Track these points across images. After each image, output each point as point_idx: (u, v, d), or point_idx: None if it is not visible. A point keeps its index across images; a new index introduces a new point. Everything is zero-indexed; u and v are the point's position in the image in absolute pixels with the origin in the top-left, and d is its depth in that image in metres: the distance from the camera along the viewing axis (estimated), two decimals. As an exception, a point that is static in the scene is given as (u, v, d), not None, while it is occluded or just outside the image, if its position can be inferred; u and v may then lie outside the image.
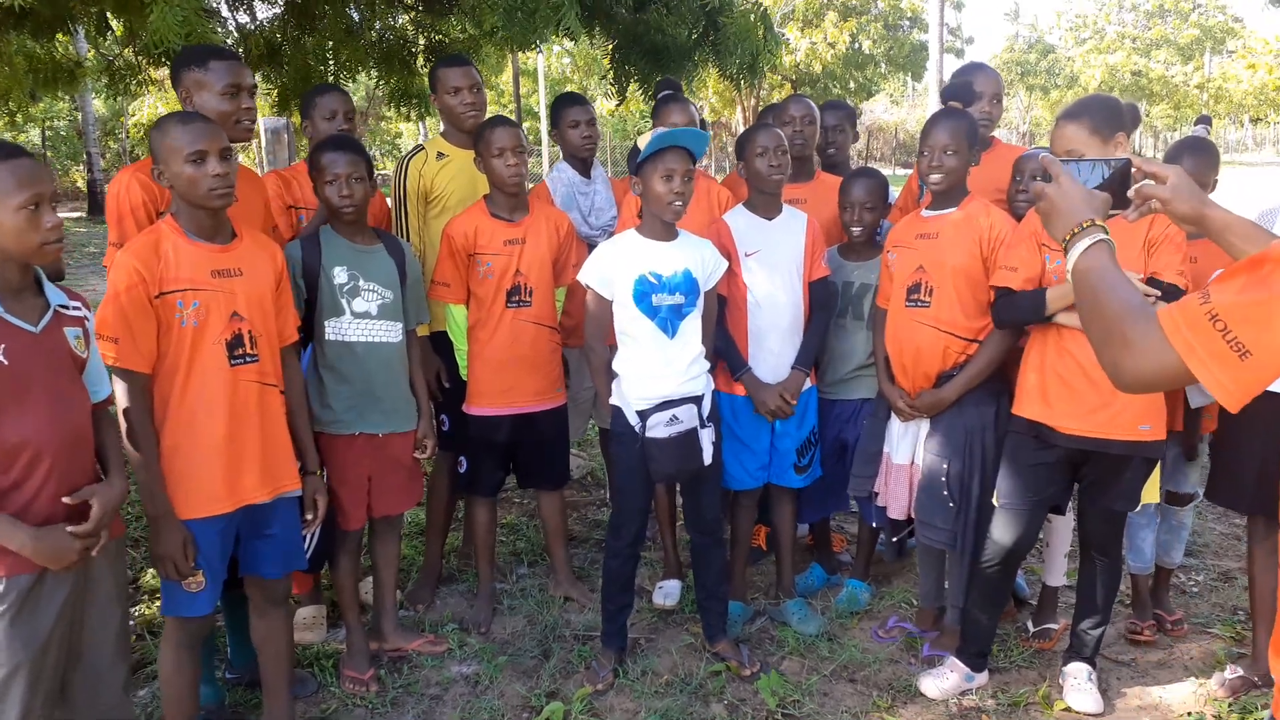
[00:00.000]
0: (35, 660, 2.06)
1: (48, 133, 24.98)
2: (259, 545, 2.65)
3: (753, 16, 5.09)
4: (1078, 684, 3.06)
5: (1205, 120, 3.43)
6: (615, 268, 3.02)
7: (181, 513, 2.44)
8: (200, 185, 2.39)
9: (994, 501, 3.04)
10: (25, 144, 25.67)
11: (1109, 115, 2.64)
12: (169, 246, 2.42)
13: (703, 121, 3.78)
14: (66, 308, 2.19)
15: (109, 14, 5.80)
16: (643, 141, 2.98)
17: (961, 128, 3.09)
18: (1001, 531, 3.01)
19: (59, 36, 6.78)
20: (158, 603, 2.82)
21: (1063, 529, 3.46)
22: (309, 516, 2.78)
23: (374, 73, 6.24)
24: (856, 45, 23.06)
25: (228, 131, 2.70)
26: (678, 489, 3.65)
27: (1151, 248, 2.71)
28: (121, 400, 2.35)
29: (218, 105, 2.72)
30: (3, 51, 6.50)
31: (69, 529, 2.07)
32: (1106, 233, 1.47)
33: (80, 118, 22.42)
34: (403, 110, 6.75)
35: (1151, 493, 2.99)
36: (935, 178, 3.11)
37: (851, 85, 24.10)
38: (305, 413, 2.83)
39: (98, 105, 22.98)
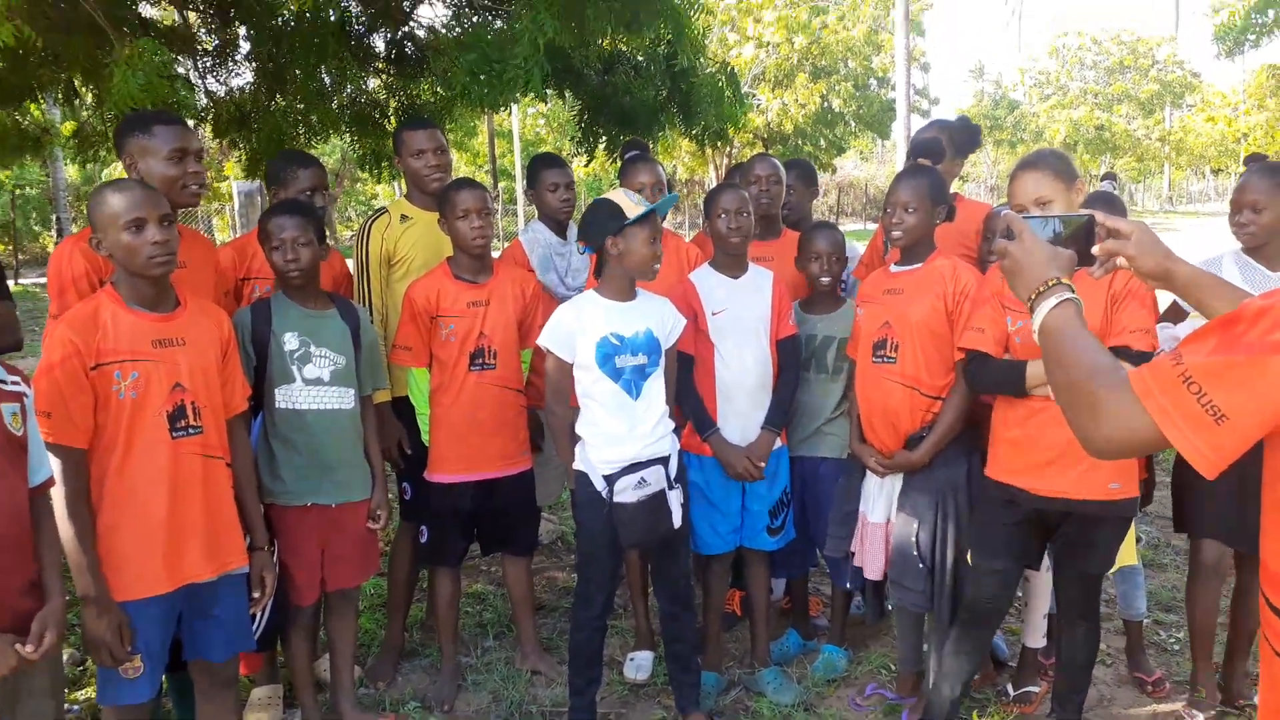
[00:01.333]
0: None
1: (17, 198, 24.80)
2: (203, 626, 2.52)
3: (720, 80, 5.13)
4: (1062, 751, 2.96)
5: (1110, 176, 3.46)
6: (576, 330, 2.96)
7: (118, 594, 2.32)
8: (139, 254, 2.31)
9: (968, 559, 2.96)
10: (-7, 209, 25.56)
11: (1066, 164, 2.65)
12: (107, 316, 2.33)
13: (669, 181, 3.76)
14: (3, 382, 2.07)
15: (76, 81, 5.78)
16: (620, 200, 2.94)
17: (923, 185, 3.07)
18: (974, 592, 2.92)
19: (28, 104, 6.76)
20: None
21: (1042, 588, 3.37)
22: (256, 595, 2.65)
23: (346, 135, 6.23)
24: (827, 104, 23.46)
25: (175, 197, 2.65)
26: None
27: (1116, 304, 2.67)
28: (56, 477, 2.23)
29: (164, 170, 2.66)
30: (-32, 119, 6.46)
31: (16, 647, 1.96)
32: (1073, 291, 1.42)
33: (51, 183, 22.32)
34: (374, 173, 6.74)
35: (1129, 554, 2.91)
36: (896, 234, 3.09)
37: (822, 143, 24.47)
38: (253, 485, 2.72)
39: (70, 171, 22.91)
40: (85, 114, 7.11)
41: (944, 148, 3.49)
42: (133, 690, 2.38)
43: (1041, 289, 1.44)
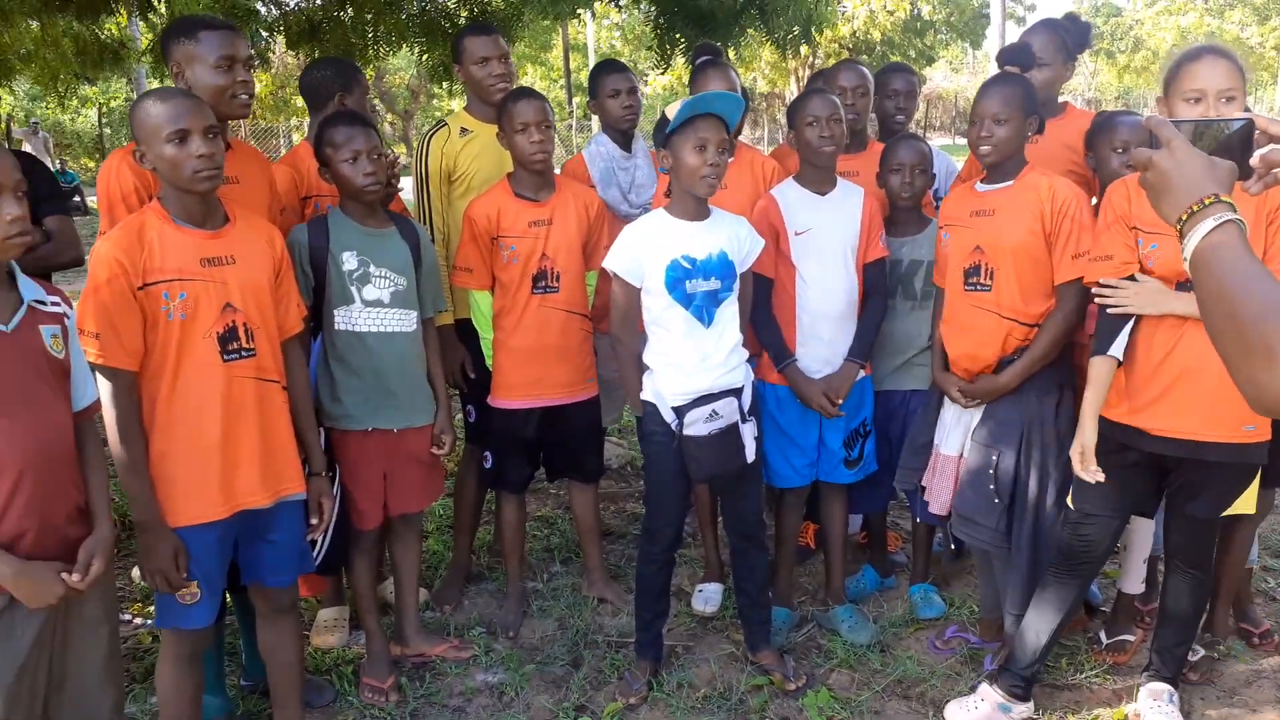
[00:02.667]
0: (11, 687, 1.90)
1: (105, 115, 25.33)
2: (260, 551, 2.46)
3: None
4: (1158, 706, 2.76)
5: None
6: (644, 253, 2.76)
7: (172, 520, 2.26)
8: (184, 167, 2.18)
9: (1069, 504, 2.74)
10: (83, 127, 26.24)
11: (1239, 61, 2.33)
12: (154, 234, 2.22)
13: (744, 90, 3.49)
14: (43, 303, 2.00)
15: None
16: (671, 111, 2.70)
17: (1014, 94, 2.77)
18: (1076, 541, 2.70)
19: (105, 19, 6.74)
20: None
21: (1143, 529, 3.13)
22: (313, 521, 2.59)
23: (415, 46, 6.06)
24: (916, 11, 22.33)
25: (223, 108, 2.51)
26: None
27: (1274, 224, 2.36)
28: (106, 402, 2.16)
29: (212, 79, 2.51)
30: (50, 34, 6.46)
31: (63, 576, 1.92)
32: (1234, 210, 1.18)
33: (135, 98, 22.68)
34: (444, 84, 6.56)
35: (1248, 502, 2.64)
36: (985, 149, 2.80)
37: (911, 53, 23.39)
38: (310, 409, 2.63)
39: (151, 85, 23.22)
40: (160, 27, 7.04)
41: (1034, 54, 3.14)
42: (190, 615, 2.34)
43: (1195, 208, 1.20)
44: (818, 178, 3.13)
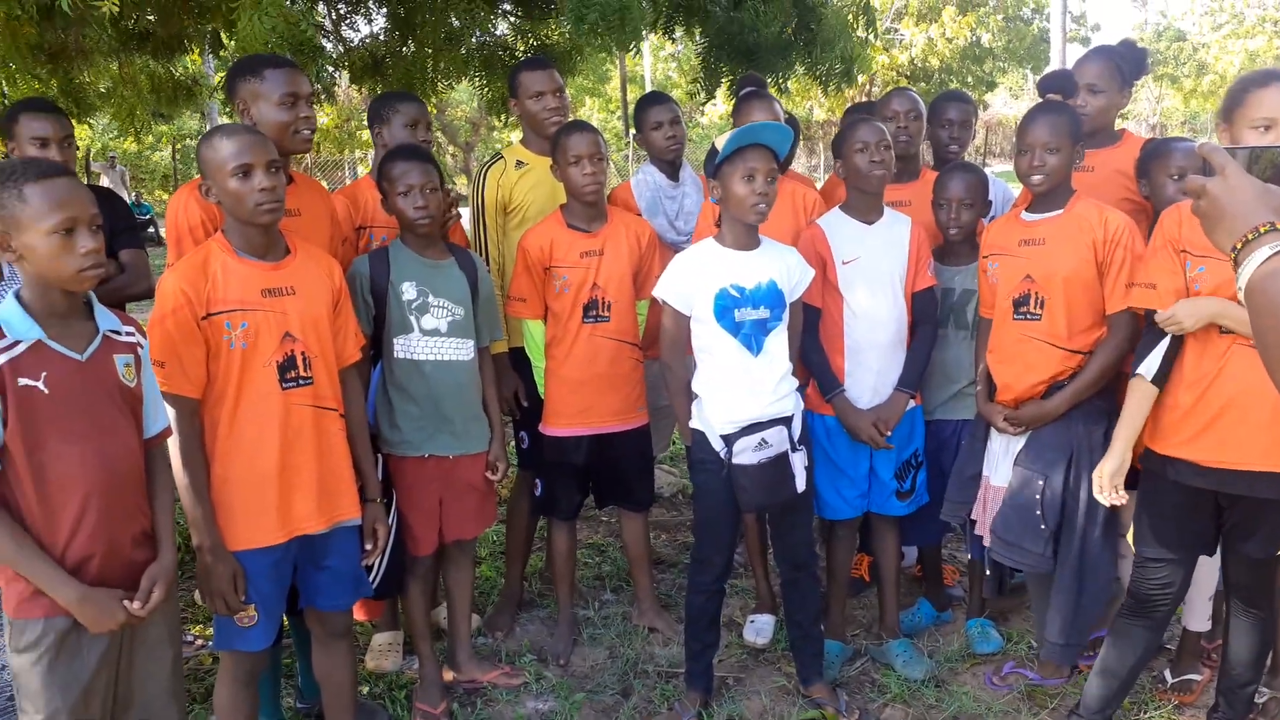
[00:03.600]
0: (75, 708, 1.96)
1: (178, 149, 26.21)
2: (316, 576, 2.52)
3: (850, 14, 4.79)
4: (1226, 749, 2.67)
5: None
6: (694, 281, 2.79)
7: (231, 544, 2.33)
8: (246, 200, 2.27)
9: (1130, 544, 2.67)
10: (157, 161, 27.17)
11: None
12: (217, 265, 2.31)
13: (790, 119, 3.50)
14: (118, 333, 2.07)
15: (221, 32, 5.92)
16: (720, 142, 2.73)
17: (1064, 122, 2.77)
18: (1143, 585, 2.62)
19: (180, 56, 7.02)
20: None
21: (1207, 566, 3.03)
22: (368, 546, 2.64)
23: (475, 80, 6.20)
24: (976, 38, 22.15)
25: (286, 143, 2.59)
26: (766, 516, 3.37)
27: None
28: (172, 427, 2.24)
29: (275, 116, 2.60)
30: (128, 72, 6.76)
31: (125, 603, 1.98)
32: None
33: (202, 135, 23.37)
34: (502, 117, 6.69)
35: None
36: (1037, 179, 2.78)
37: (969, 79, 23.19)
38: (366, 437, 2.69)
39: (222, 121, 23.97)
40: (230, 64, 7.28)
41: (1074, 81, 3.12)
42: (248, 637, 2.40)
43: (1250, 236, 1.18)
44: (865, 206, 3.12)
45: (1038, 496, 2.81)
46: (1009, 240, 2.92)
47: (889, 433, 3.08)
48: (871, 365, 3.10)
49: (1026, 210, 2.92)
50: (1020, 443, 2.92)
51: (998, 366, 2.95)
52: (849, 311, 3.09)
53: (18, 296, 1.94)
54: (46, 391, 1.90)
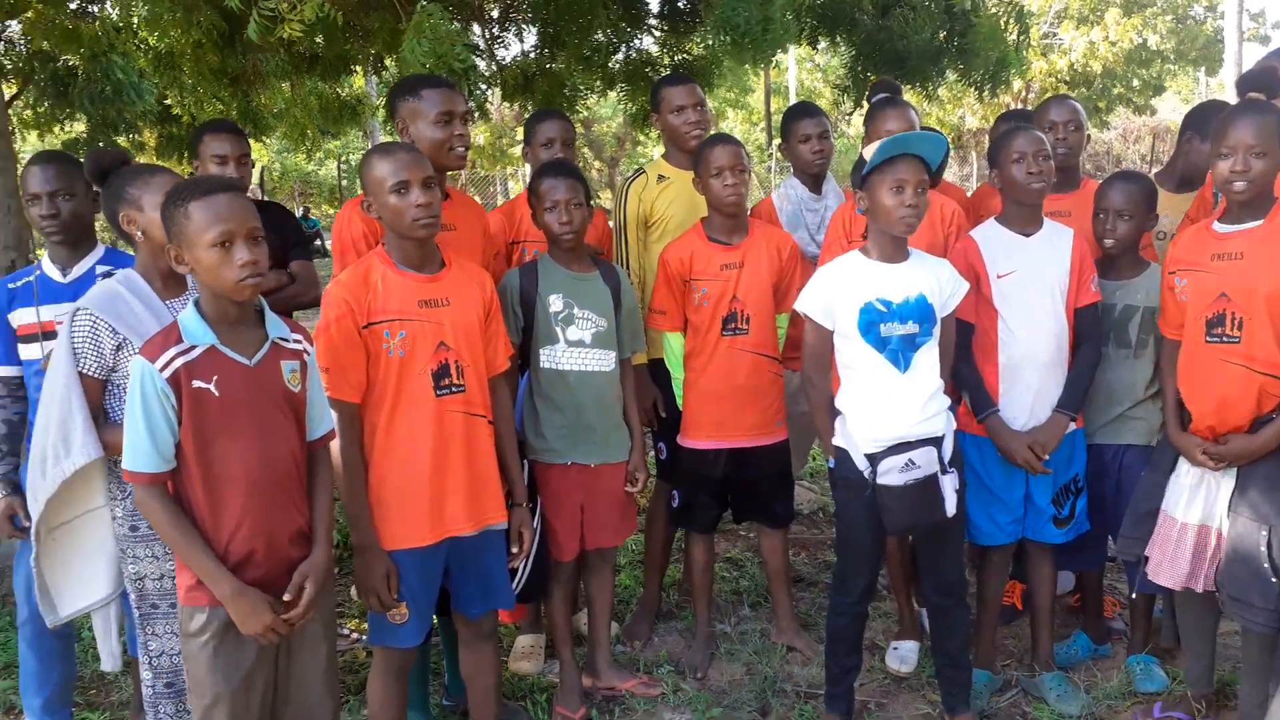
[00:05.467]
0: (236, 694, 2.08)
1: (343, 166, 27.68)
2: (463, 580, 2.60)
3: (1003, 19, 4.62)
4: None
5: None
6: (838, 295, 2.73)
7: (386, 543, 2.43)
8: (404, 215, 2.37)
9: None
10: (324, 177, 28.76)
11: None
12: (378, 277, 2.42)
13: (930, 129, 3.39)
14: (285, 340, 2.18)
15: (383, 54, 6.24)
16: (868, 152, 2.68)
17: (1271, 124, 2.53)
18: None
19: (345, 77, 7.44)
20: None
21: None
22: (514, 550, 2.70)
23: (619, 94, 6.31)
24: (1142, 40, 20.95)
25: (441, 160, 2.70)
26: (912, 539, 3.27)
27: None
28: (335, 430, 2.36)
29: (431, 134, 2.71)
30: (299, 93, 7.22)
31: (281, 616, 2.07)
32: None
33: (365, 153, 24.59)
34: (645, 130, 6.77)
35: None
36: (1239, 185, 2.55)
37: (1135, 83, 21.94)
38: (514, 443, 2.76)
39: (384, 138, 25.15)
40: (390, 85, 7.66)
41: (1279, 79, 2.89)
42: (400, 634, 2.50)
43: None
44: (1022, 217, 2.99)
45: (1263, 548, 2.58)
46: (1199, 254, 2.70)
47: (1046, 456, 2.93)
48: (1029, 384, 2.96)
49: (1220, 221, 2.71)
50: (1218, 480, 2.72)
51: (1191, 394, 2.74)
52: (1004, 327, 2.96)
53: (196, 305, 2.09)
54: (217, 394, 2.04)
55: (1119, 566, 3.67)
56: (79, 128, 9.77)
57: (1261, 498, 2.60)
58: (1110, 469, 3.10)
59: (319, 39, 5.79)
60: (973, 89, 4.84)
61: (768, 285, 3.22)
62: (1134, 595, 3.13)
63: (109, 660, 2.61)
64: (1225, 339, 2.62)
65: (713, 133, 3.39)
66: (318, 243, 17.00)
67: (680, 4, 5.76)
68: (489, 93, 6.46)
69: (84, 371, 2.32)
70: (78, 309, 2.35)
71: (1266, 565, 2.57)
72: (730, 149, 3.13)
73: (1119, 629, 3.52)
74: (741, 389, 3.21)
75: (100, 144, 9.12)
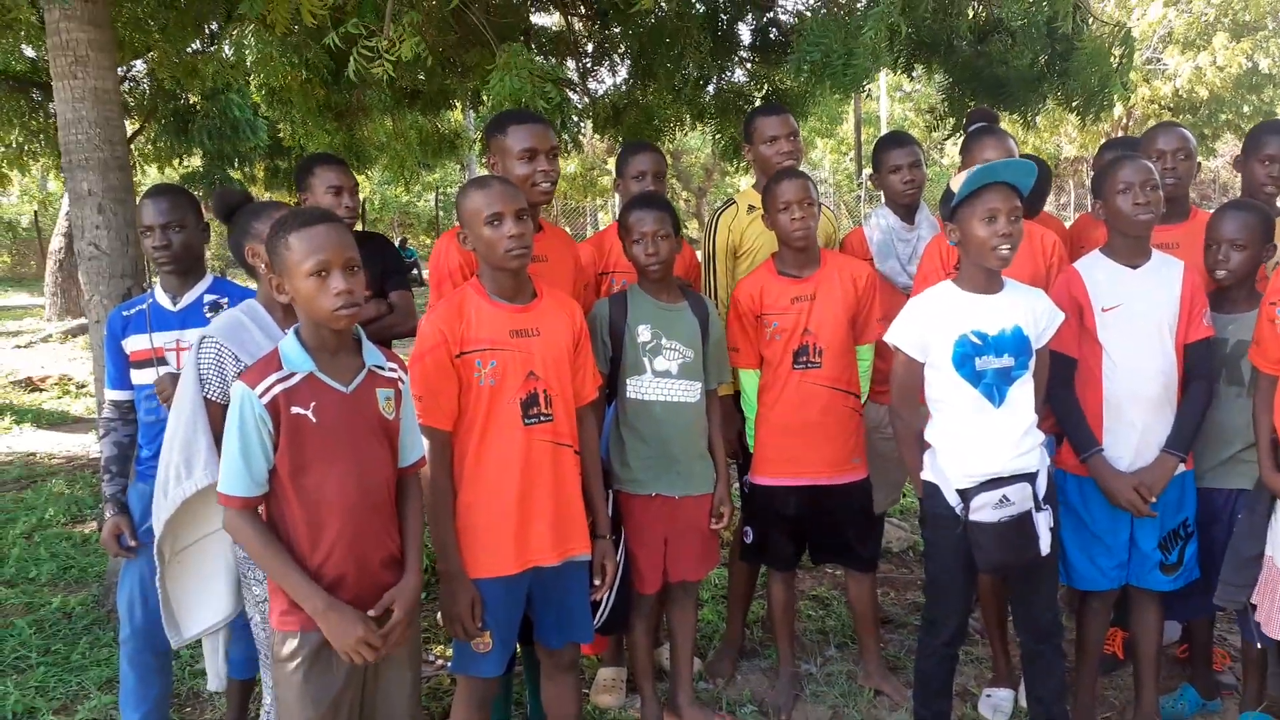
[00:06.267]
0: (325, 718, 2.11)
1: (440, 198, 28.44)
2: (545, 610, 2.60)
3: (1105, 43, 4.49)
4: None
5: None
6: (931, 327, 2.67)
7: (471, 571, 2.45)
8: (497, 247, 2.41)
9: None
10: (422, 208, 29.55)
11: None
12: (472, 308, 2.46)
13: (1040, 162, 3.29)
14: (381, 368, 2.22)
15: (480, 89, 6.43)
16: (955, 183, 2.62)
17: None
18: None
19: (451, 113, 7.66)
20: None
21: None
22: (596, 582, 2.70)
23: (709, 126, 6.33)
24: (1252, 64, 20.11)
25: (525, 194, 2.72)
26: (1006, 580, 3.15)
27: None
28: (427, 457, 2.39)
29: (515, 169, 2.75)
30: (399, 127, 7.47)
31: (368, 628, 2.09)
32: None
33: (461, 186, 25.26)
34: (735, 162, 6.78)
35: None
36: None
37: (1246, 110, 21.05)
38: (599, 474, 2.77)
39: (480, 171, 25.76)
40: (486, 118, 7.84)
41: None
42: (483, 664, 2.51)
43: None
44: (1129, 249, 2.88)
45: None
46: None
47: (1153, 499, 2.80)
48: (1135, 423, 2.83)
49: None
50: None
51: None
52: (1109, 362, 2.85)
53: (297, 333, 2.15)
54: (314, 420, 2.08)
55: (1230, 616, 3.47)
56: (195, 161, 10.31)
57: None
58: (1222, 514, 2.94)
59: (420, 75, 5.99)
60: (1074, 114, 4.70)
61: (841, 318, 3.16)
62: (1246, 645, 2.96)
63: (215, 680, 2.69)
64: None
65: (782, 167, 3.36)
66: (415, 272, 17.44)
67: (772, 35, 5.77)
68: (581, 125, 6.55)
69: (209, 397, 2.42)
70: (204, 337, 2.46)
71: None
72: (797, 183, 3.09)
73: (1230, 684, 3.33)
74: (814, 424, 3.15)
75: (216, 177, 9.61)
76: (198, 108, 9.05)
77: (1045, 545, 2.64)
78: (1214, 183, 25.88)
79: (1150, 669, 3.05)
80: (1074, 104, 4.59)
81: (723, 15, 5.66)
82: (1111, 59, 4.46)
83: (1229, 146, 24.52)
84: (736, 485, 3.58)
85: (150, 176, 12.78)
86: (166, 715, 3.08)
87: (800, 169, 3.33)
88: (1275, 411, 2.66)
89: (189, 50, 6.09)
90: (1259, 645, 2.89)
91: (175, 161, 10.17)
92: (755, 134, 3.52)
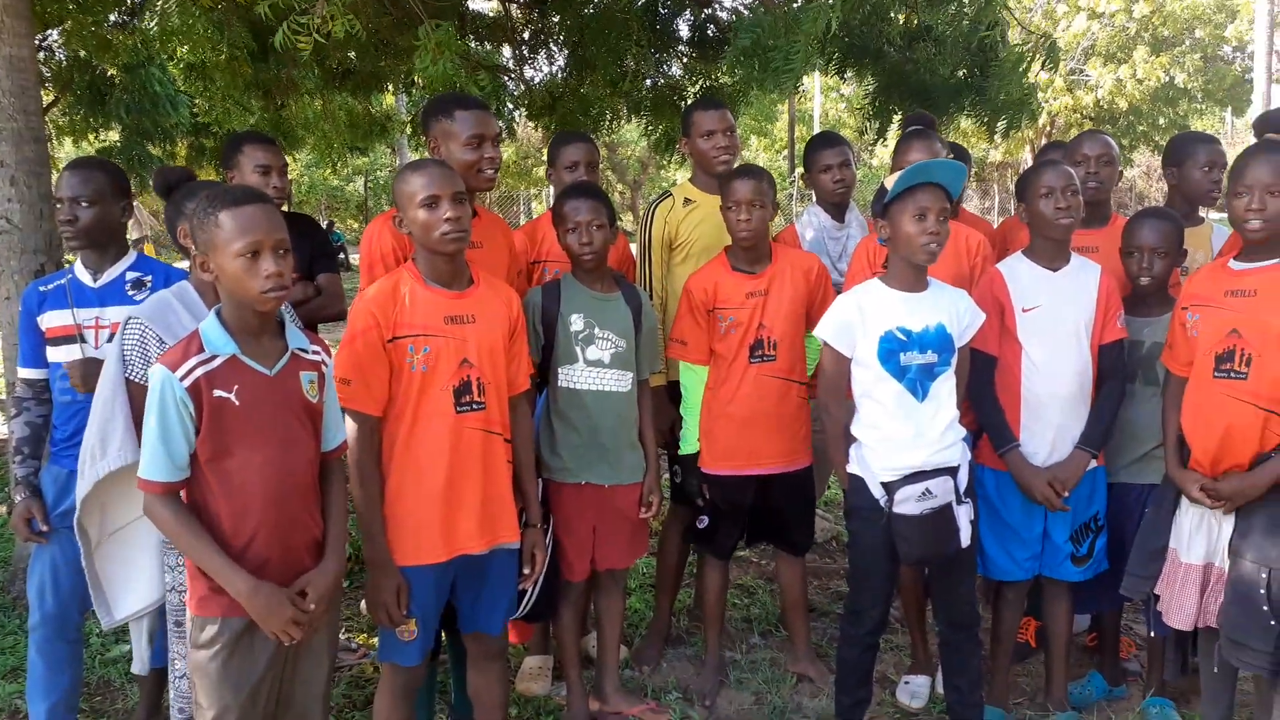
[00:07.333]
0: (244, 705, 2.08)
1: (370, 181, 27.95)
2: (472, 598, 2.59)
3: (1035, 52, 4.62)
4: None
5: None
6: (858, 322, 2.73)
7: (398, 559, 2.42)
8: (433, 229, 2.38)
9: None
10: (351, 192, 29.02)
11: None
12: (406, 291, 2.43)
13: (961, 151, 3.38)
14: (305, 351, 2.19)
15: (415, 73, 6.33)
16: (889, 181, 2.68)
17: None
18: None
19: (376, 94, 7.53)
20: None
21: None
22: (525, 571, 2.69)
23: (643, 119, 6.35)
24: (1169, 78, 20.91)
25: (471, 181, 2.71)
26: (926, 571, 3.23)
27: None
28: (351, 443, 2.36)
29: (461, 155, 2.73)
30: (328, 109, 7.31)
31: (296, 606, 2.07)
32: None
33: (397, 167, 24.88)
34: (668, 155, 6.81)
35: None
36: (1254, 224, 2.57)
37: (1161, 121, 21.89)
38: (531, 464, 2.76)
39: (412, 156, 25.42)
40: (420, 102, 7.74)
41: None
42: (407, 651, 2.49)
43: None
44: (1050, 252, 2.98)
45: (1262, 590, 2.55)
46: (1214, 290, 2.71)
47: (1066, 493, 2.91)
48: (1051, 420, 2.93)
49: (1236, 258, 2.71)
50: (1219, 518, 2.69)
51: (1193, 429, 2.73)
52: (1028, 362, 2.95)
53: (218, 314, 2.10)
54: (237, 403, 2.04)
55: (1136, 607, 3.62)
56: (113, 136, 9.95)
57: (1263, 539, 2.58)
58: (1133, 509, 3.06)
59: (352, 55, 5.88)
60: (985, 129, 4.84)
61: (794, 310, 3.20)
62: (1151, 635, 3.09)
63: (139, 664, 2.66)
64: (1233, 375, 2.62)
65: (742, 164, 3.38)
66: (342, 257, 17.15)
67: (709, 32, 5.80)
68: (516, 113, 6.51)
69: (130, 378, 2.36)
70: (129, 317, 2.41)
71: (1266, 608, 2.54)
72: (748, 184, 3.10)
73: (1135, 670, 3.48)
74: (770, 415, 3.19)
75: (134, 153, 9.28)
76: (116, 80, 8.74)
77: (966, 537, 2.72)
78: (1130, 190, 26.83)
79: (1061, 656, 3.17)
80: (983, 119, 4.72)
81: (661, 10, 5.68)
82: (1027, 79, 4.58)
83: (1145, 157, 25.44)
84: (666, 475, 3.61)
85: (66, 149, 12.31)
86: (76, 705, 2.99)
87: (760, 166, 3.36)
88: (1182, 410, 2.78)
89: (108, 21, 5.87)
90: (1157, 634, 3.02)
91: (92, 135, 9.82)
92: (693, 128, 3.54)
